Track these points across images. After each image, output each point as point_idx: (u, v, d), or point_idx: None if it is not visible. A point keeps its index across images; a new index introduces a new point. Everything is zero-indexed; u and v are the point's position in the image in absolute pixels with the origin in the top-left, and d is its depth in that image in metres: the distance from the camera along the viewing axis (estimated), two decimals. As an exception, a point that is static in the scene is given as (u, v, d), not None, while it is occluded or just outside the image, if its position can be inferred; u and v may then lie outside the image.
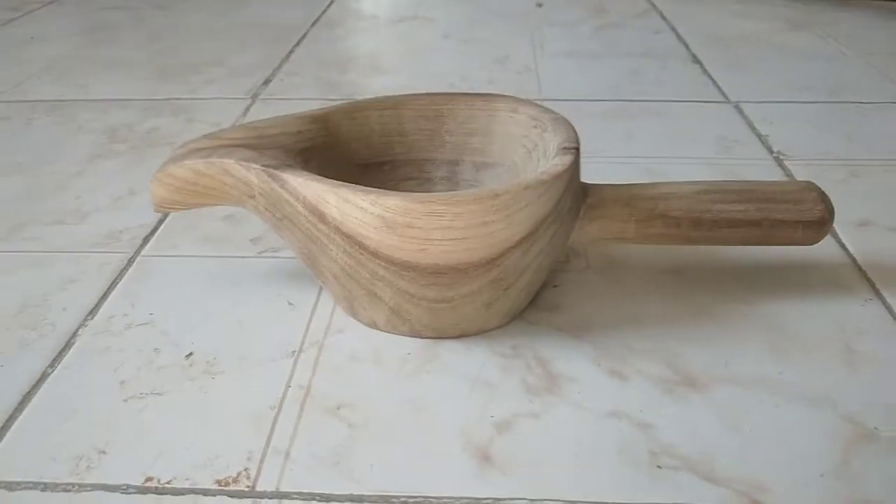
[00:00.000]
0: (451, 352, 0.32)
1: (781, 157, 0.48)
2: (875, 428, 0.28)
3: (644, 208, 0.32)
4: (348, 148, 0.35)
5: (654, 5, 0.82)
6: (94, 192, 0.45)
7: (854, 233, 0.40)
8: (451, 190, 0.36)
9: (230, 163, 0.31)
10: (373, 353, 0.32)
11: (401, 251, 0.29)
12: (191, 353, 0.32)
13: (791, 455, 0.27)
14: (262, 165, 0.30)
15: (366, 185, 0.35)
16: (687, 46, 0.69)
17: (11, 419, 0.29)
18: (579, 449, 0.27)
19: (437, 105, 0.36)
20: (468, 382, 0.30)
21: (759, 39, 0.70)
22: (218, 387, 0.30)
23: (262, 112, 0.56)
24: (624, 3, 0.83)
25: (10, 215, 0.43)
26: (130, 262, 0.39)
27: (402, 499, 0.26)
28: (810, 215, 0.32)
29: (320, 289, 0.36)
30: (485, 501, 0.25)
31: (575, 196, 0.31)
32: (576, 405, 0.29)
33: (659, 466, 0.26)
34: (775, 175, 0.46)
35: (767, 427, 0.28)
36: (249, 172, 0.30)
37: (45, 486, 0.26)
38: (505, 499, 0.25)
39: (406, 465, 0.27)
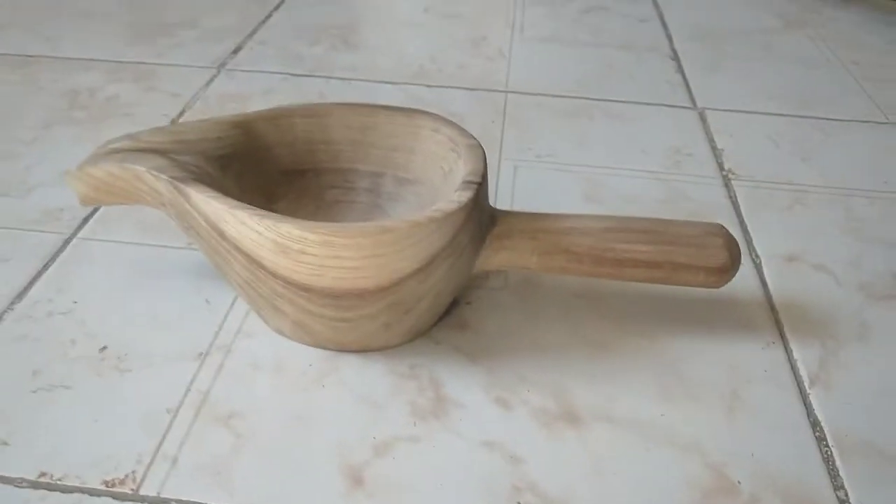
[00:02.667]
0: (351, 367, 0.33)
1: (730, 177, 0.48)
2: (738, 482, 0.29)
3: (549, 242, 0.33)
4: (271, 154, 0.36)
5: (649, -13, 0.80)
6: (43, 164, 0.46)
7: (780, 268, 0.40)
8: (373, 202, 0.37)
9: (141, 170, 0.31)
10: (275, 363, 0.33)
11: (297, 274, 0.29)
12: (105, 347, 0.34)
13: (645, 502, 0.28)
14: (170, 177, 0.31)
15: (288, 192, 0.37)
16: (670, 39, 0.67)
17: (-76, 403, 0.31)
18: (445, 478, 0.29)
19: (361, 116, 0.36)
20: (359, 400, 0.32)
21: (747, 36, 0.68)
22: (124, 384, 0.32)
23: (225, 86, 0.56)
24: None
25: (-41, 183, 0.44)
26: (66, 243, 0.40)
27: (269, 516, 0.27)
28: (712, 261, 0.33)
29: (239, 289, 0.37)
30: (346, 525, 0.27)
31: (478, 227, 0.32)
32: (455, 433, 0.30)
33: (519, 503, 0.28)
34: (717, 196, 0.46)
35: (632, 471, 0.29)
36: (158, 182, 0.31)
37: (-55, 476, 0.28)
38: (365, 524, 0.27)
39: (280, 481, 0.28)
